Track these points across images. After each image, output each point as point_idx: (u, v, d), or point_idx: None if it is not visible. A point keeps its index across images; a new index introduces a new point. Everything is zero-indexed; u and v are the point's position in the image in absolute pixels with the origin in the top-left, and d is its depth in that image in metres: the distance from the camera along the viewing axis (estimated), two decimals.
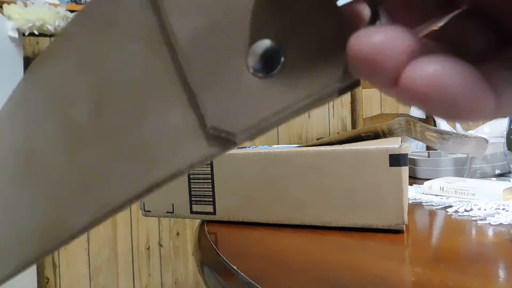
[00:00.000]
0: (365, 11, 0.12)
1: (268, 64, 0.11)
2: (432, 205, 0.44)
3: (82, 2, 1.31)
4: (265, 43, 0.11)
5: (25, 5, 1.12)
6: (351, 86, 0.11)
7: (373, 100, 1.64)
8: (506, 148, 0.50)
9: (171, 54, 0.12)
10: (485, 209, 0.39)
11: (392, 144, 0.32)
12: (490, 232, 0.32)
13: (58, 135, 0.13)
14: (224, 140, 0.12)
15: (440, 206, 0.42)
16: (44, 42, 1.33)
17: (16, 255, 0.14)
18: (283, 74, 0.11)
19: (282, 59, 0.11)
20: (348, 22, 0.11)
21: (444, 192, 0.47)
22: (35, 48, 1.33)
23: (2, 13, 1.10)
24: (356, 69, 0.10)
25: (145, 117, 0.12)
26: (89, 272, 1.35)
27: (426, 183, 0.50)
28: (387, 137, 0.39)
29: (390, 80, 0.10)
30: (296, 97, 0.11)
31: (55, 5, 1.15)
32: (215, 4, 0.11)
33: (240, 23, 0.11)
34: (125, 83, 0.12)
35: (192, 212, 0.40)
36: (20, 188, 0.14)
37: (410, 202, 0.46)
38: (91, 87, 0.13)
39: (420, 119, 1.20)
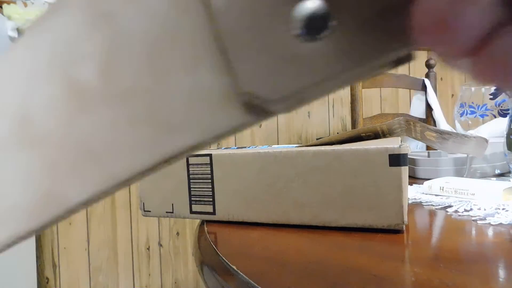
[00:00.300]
0: None
1: (315, 26, 0.10)
2: (432, 205, 0.44)
3: None
4: (313, 2, 0.10)
5: (25, 5, 1.12)
6: (407, 58, 0.10)
7: (373, 100, 1.64)
8: (506, 148, 0.50)
9: (204, 9, 0.10)
10: (485, 209, 0.39)
11: (392, 144, 0.32)
12: (490, 232, 0.32)
13: (59, 97, 0.12)
14: (259, 108, 0.10)
15: (440, 206, 0.42)
16: None
17: (7, 228, 0.13)
18: (331, 39, 0.10)
19: (332, 22, 0.10)
20: None
21: (444, 192, 0.47)
22: None
23: (2, 13, 1.10)
24: (423, 34, 0.08)
25: (167, 78, 0.11)
26: (89, 272, 1.35)
27: (426, 183, 0.50)
28: (387, 137, 0.39)
29: (466, 49, 0.08)
30: (344, 66, 0.10)
31: None
32: None
33: None
34: (146, 39, 0.11)
35: (192, 212, 0.40)
36: (13, 155, 0.13)
37: (410, 202, 0.46)
38: (103, 43, 0.11)
39: (420, 119, 1.20)
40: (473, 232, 0.33)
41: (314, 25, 0.10)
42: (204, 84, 0.11)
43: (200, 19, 0.10)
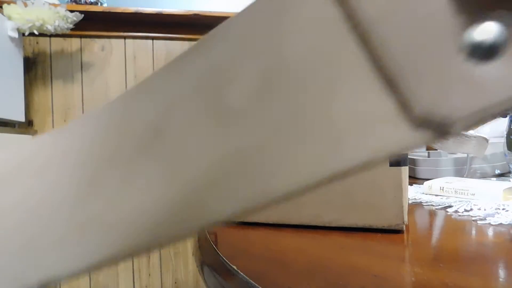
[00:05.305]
0: None
1: (487, 49, 0.10)
2: (432, 205, 0.44)
3: (82, 2, 1.31)
4: (484, 26, 0.10)
5: (25, 5, 1.12)
6: None
7: None
8: (506, 148, 0.50)
9: (361, 43, 0.11)
10: (485, 209, 0.39)
11: None
12: (490, 232, 0.32)
13: (204, 117, 0.12)
14: (434, 129, 0.10)
15: (440, 206, 0.42)
16: (44, 42, 1.33)
17: (117, 240, 0.12)
18: (508, 59, 0.10)
19: (505, 43, 0.09)
20: None
21: (444, 192, 0.47)
22: (35, 48, 1.33)
23: (2, 13, 1.10)
24: None
25: (328, 102, 0.11)
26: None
27: (426, 183, 0.50)
28: None
29: None
30: None
31: (55, 5, 1.15)
32: None
33: (446, 6, 0.10)
34: (300, 69, 0.11)
35: None
36: (141, 166, 0.13)
37: (410, 202, 0.46)
38: (255, 72, 0.12)
39: None
40: (473, 232, 0.33)
41: (490, 48, 0.10)
42: (368, 106, 0.11)
43: (356, 49, 0.11)
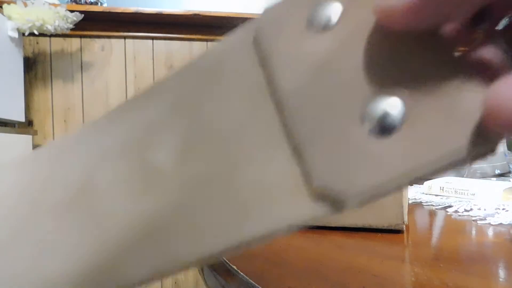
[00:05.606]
0: (497, 56, 0.10)
1: (386, 124, 0.10)
2: (432, 205, 0.44)
3: (82, 2, 1.31)
4: (382, 103, 0.10)
5: (25, 5, 1.12)
6: (489, 151, 0.10)
7: None
8: (506, 148, 0.50)
9: (276, 109, 0.11)
10: (485, 209, 0.39)
11: None
12: (490, 232, 0.32)
13: (127, 175, 0.12)
14: (331, 202, 0.10)
15: (440, 206, 0.42)
16: (44, 42, 1.33)
17: None
18: (404, 136, 0.10)
19: (402, 120, 0.10)
20: (478, 74, 0.09)
21: (444, 192, 0.47)
22: (35, 48, 1.33)
23: (2, 13, 1.10)
24: (500, 128, 0.08)
25: (240, 168, 0.11)
26: None
27: (426, 183, 0.50)
28: None
29: None
30: (419, 162, 0.10)
31: (55, 5, 1.15)
32: (324, 64, 0.11)
33: (354, 82, 0.10)
34: (221, 133, 0.12)
35: None
36: (63, 223, 0.13)
37: (410, 202, 0.46)
38: (180, 134, 0.12)
39: None
40: (473, 232, 0.33)
41: (389, 123, 0.10)
42: (275, 176, 0.11)
43: (272, 115, 0.11)
